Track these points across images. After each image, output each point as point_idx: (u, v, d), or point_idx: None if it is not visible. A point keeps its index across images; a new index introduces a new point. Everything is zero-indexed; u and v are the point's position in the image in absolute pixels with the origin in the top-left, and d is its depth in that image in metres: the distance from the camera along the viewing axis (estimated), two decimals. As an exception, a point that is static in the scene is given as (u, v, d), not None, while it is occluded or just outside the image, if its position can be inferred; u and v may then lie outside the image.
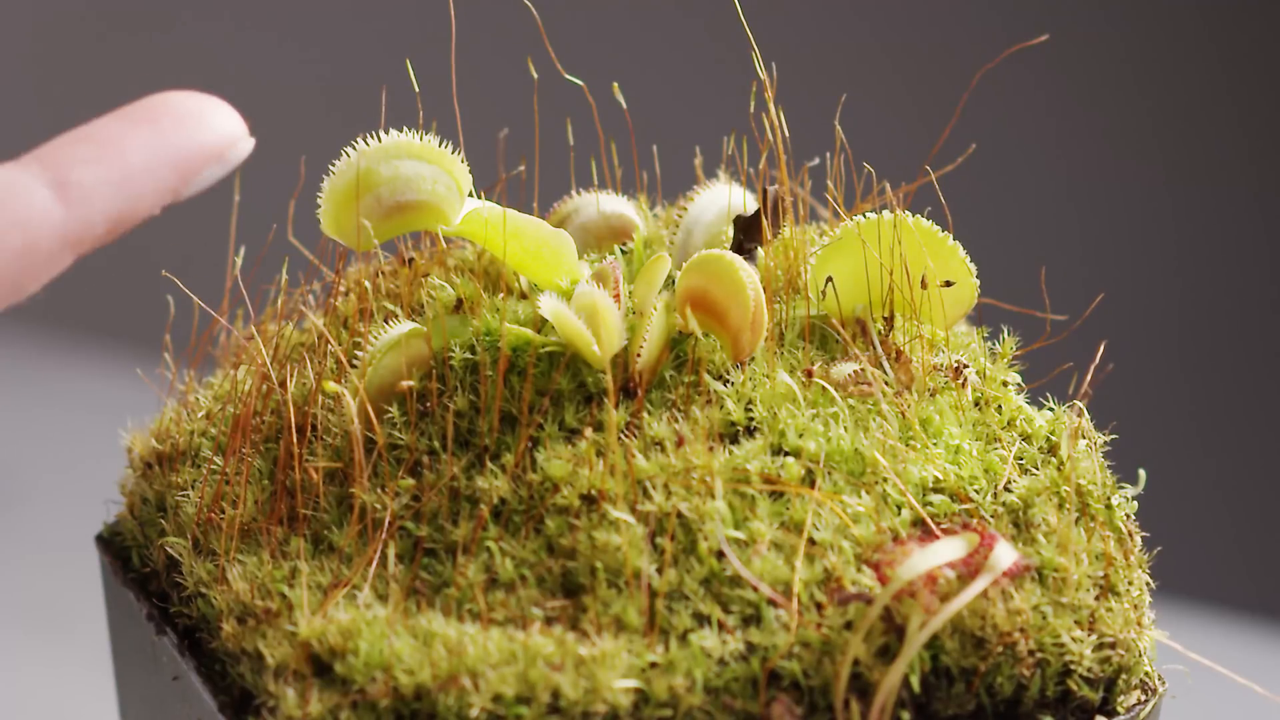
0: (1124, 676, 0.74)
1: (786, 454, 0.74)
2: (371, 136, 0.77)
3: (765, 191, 0.82)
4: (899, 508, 0.74)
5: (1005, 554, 0.72)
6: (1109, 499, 0.76)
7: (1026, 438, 0.78)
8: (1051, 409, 0.79)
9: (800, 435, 0.75)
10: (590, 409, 0.75)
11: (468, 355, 0.77)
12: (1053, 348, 0.82)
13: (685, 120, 1.42)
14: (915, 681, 0.71)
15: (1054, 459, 0.77)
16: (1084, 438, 0.77)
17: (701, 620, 0.71)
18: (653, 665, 0.70)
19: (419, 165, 0.77)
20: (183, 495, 0.79)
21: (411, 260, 0.83)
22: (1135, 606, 0.74)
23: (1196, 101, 2.23)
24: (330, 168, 0.77)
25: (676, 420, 0.75)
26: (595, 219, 0.85)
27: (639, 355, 0.75)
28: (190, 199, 0.71)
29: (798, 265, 0.80)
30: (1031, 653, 0.72)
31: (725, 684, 0.70)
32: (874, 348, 0.78)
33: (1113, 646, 0.73)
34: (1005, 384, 0.80)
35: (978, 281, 0.80)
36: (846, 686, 0.70)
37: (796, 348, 0.78)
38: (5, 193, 0.66)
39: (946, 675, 0.72)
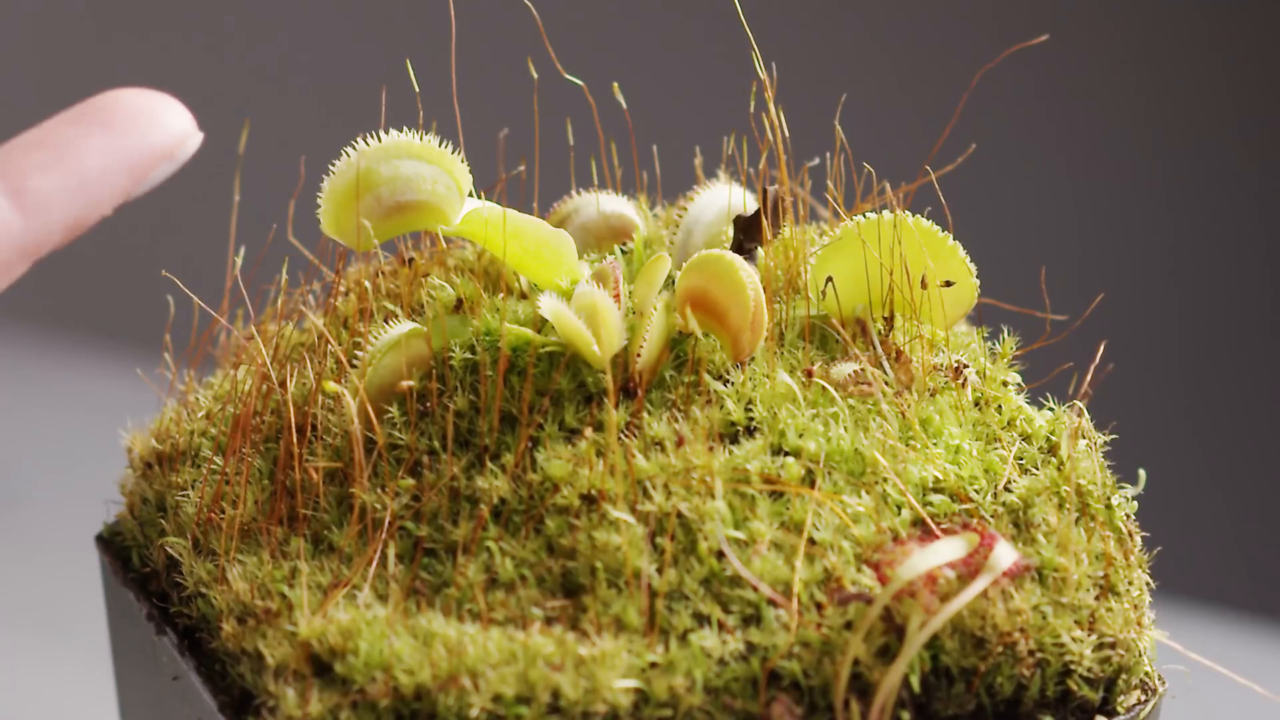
0: (1124, 676, 0.74)
1: (786, 454, 0.74)
2: (371, 136, 0.77)
3: (765, 191, 0.82)
4: (899, 508, 0.74)
5: (1005, 554, 0.72)
6: (1109, 499, 0.76)
7: (1026, 438, 0.78)
8: (1051, 409, 0.79)
9: (800, 435, 0.75)
10: (590, 409, 0.75)
11: (468, 355, 0.77)
12: (1053, 348, 0.82)
13: (685, 120, 1.42)
14: (915, 681, 0.71)
15: (1054, 459, 0.77)
16: (1084, 438, 0.77)
17: (701, 620, 0.71)
18: (653, 665, 0.70)
19: (419, 165, 0.77)
20: (183, 495, 0.79)
21: (411, 260, 0.83)
22: (1135, 606, 0.74)
23: (1196, 101, 2.23)
24: (330, 168, 0.77)
25: (676, 420, 0.75)
26: (595, 219, 0.85)
27: (639, 355, 0.75)
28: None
29: (798, 265, 0.80)
30: (1031, 653, 0.72)
31: (725, 684, 0.70)
32: (874, 348, 0.78)
33: (1113, 646, 0.73)
34: (1005, 384, 0.80)
35: (978, 281, 0.80)
36: (846, 686, 0.70)
37: (796, 348, 0.78)
38: None
39: (946, 675, 0.72)
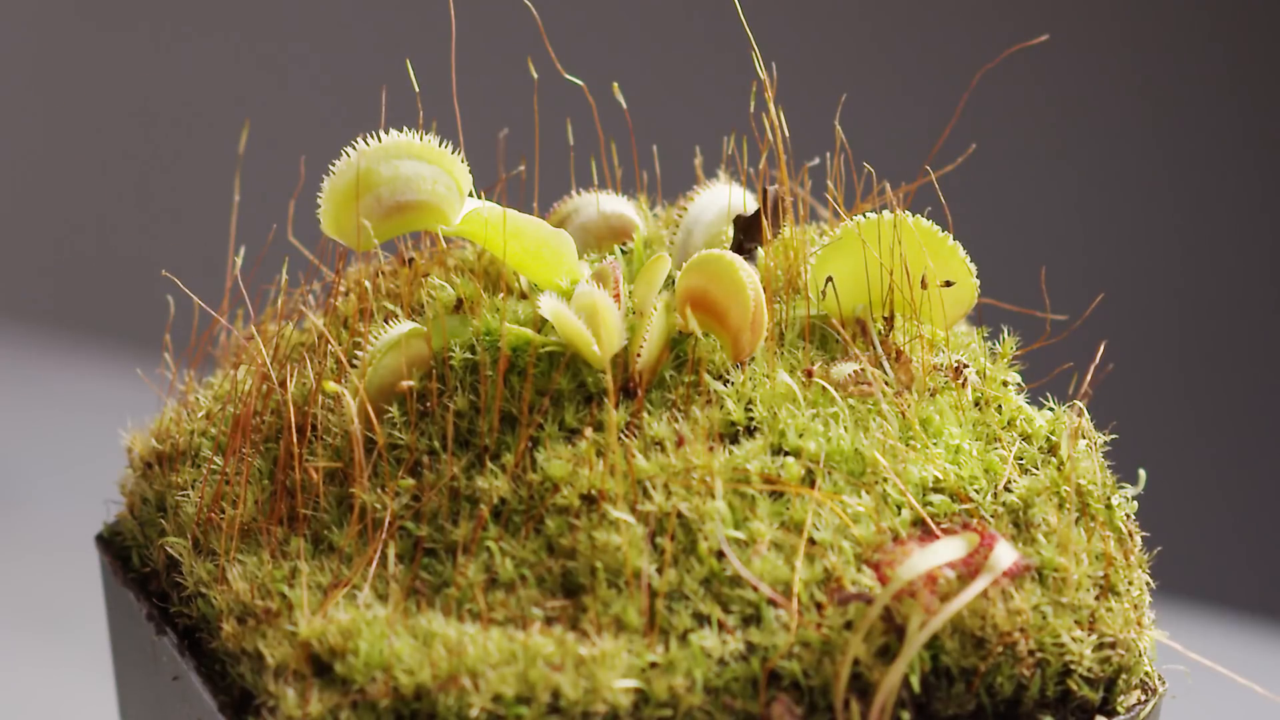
0: (1124, 676, 0.74)
1: (786, 454, 0.74)
2: (371, 136, 0.77)
3: (765, 191, 0.82)
4: (899, 508, 0.74)
5: (1005, 554, 0.72)
6: (1109, 499, 0.76)
7: (1026, 438, 0.78)
8: (1051, 409, 0.79)
9: (800, 435, 0.75)
10: (590, 409, 0.75)
11: (468, 355, 0.77)
12: (1053, 348, 0.82)
13: (685, 120, 1.42)
14: (915, 681, 0.71)
15: (1054, 459, 0.77)
16: (1084, 438, 0.77)
17: (701, 620, 0.71)
18: (653, 665, 0.70)
19: (419, 165, 0.77)
20: (183, 495, 0.79)
21: (411, 260, 0.83)
22: (1135, 606, 0.74)
23: (1197, 102, 2.23)
24: (330, 168, 0.77)
25: (676, 420, 0.75)
26: (595, 219, 0.85)
27: (639, 355, 0.75)
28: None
29: (798, 265, 0.80)
30: (1031, 653, 0.72)
31: (725, 684, 0.70)
32: (874, 348, 0.78)
33: (1113, 646, 0.73)
34: (1005, 384, 0.80)
35: (978, 281, 0.80)
36: (846, 686, 0.70)
37: (796, 348, 0.78)
38: None
39: (946, 675, 0.72)
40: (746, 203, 0.85)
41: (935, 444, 0.76)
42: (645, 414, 0.75)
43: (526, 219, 0.78)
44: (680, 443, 0.74)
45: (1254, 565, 2.08)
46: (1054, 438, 0.78)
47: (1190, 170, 2.23)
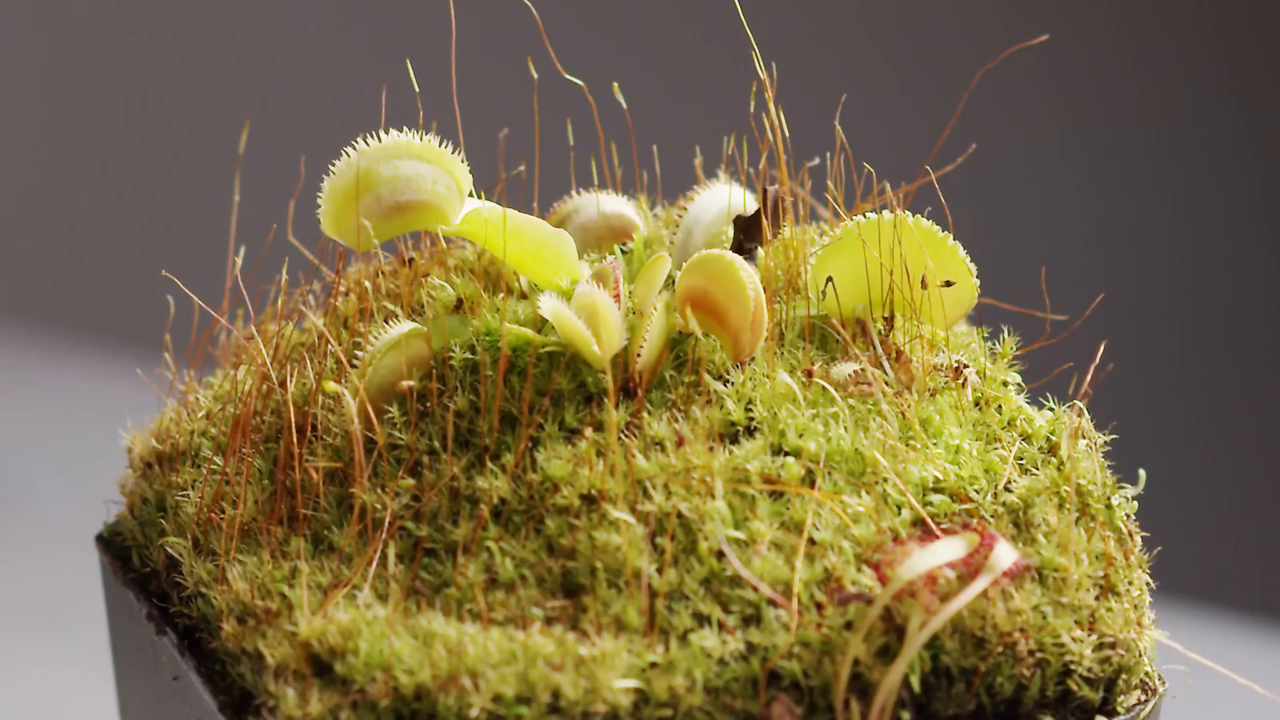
0: (1124, 676, 0.74)
1: (786, 454, 0.74)
2: (371, 136, 0.77)
3: (765, 191, 0.82)
4: (899, 508, 0.74)
5: (1005, 554, 0.72)
6: (1109, 499, 0.76)
7: (1026, 438, 0.78)
8: (1051, 409, 0.79)
9: (800, 435, 0.75)
10: (590, 409, 0.75)
11: (468, 355, 0.77)
12: (1053, 348, 0.82)
13: (685, 120, 1.42)
14: (915, 681, 0.71)
15: (1054, 459, 0.77)
16: (1084, 438, 0.77)
17: (701, 620, 0.71)
18: (653, 665, 0.70)
19: (419, 165, 0.77)
20: (183, 495, 0.79)
21: (411, 260, 0.83)
22: (1135, 606, 0.74)
23: (1197, 102, 2.23)
24: (330, 168, 0.77)
25: (676, 420, 0.75)
26: (595, 219, 0.85)
27: (639, 355, 0.75)
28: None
29: (798, 265, 0.80)
30: (1031, 653, 0.72)
31: (725, 684, 0.70)
32: (874, 348, 0.78)
33: (1113, 646, 0.73)
34: (1005, 384, 0.80)
35: (978, 281, 0.80)
36: (846, 686, 0.70)
37: (796, 348, 0.78)
38: None
39: (946, 675, 0.72)
40: (746, 203, 0.85)
41: (935, 444, 0.76)
42: (645, 414, 0.75)
43: (526, 219, 0.78)
44: (680, 443, 0.74)
45: (1254, 565, 2.08)
46: (1054, 438, 0.78)
47: (1190, 170, 2.23)
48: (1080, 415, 0.78)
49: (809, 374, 0.77)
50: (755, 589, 0.71)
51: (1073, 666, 0.73)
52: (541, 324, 0.77)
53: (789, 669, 0.70)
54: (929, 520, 0.73)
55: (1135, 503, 0.77)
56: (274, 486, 0.77)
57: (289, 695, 0.70)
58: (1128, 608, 0.74)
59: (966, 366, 0.79)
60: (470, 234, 0.78)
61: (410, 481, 0.75)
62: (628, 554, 0.72)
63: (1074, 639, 0.73)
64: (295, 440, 0.77)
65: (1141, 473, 0.78)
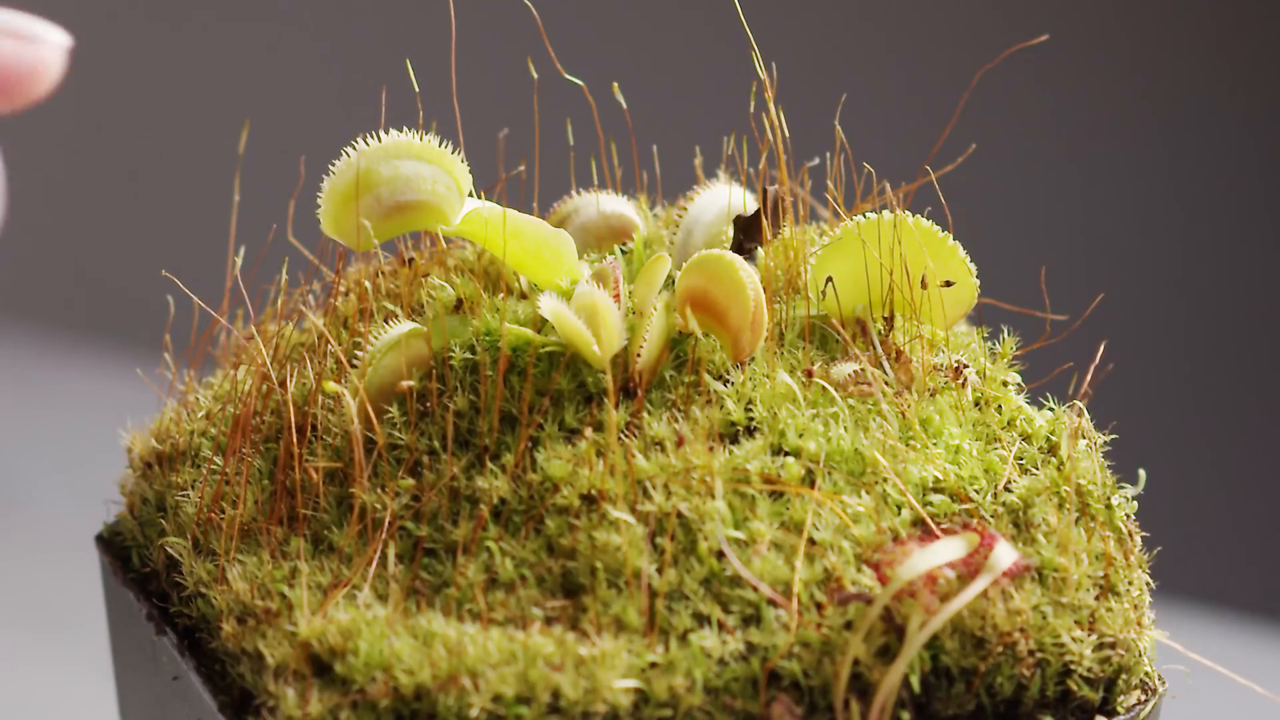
0: (1124, 676, 0.74)
1: (786, 454, 0.74)
2: (371, 136, 0.77)
3: (765, 191, 0.82)
4: (899, 508, 0.74)
5: (1005, 554, 0.72)
6: (1109, 499, 0.76)
7: (1026, 438, 0.78)
8: (1051, 409, 0.79)
9: (800, 435, 0.75)
10: (590, 409, 0.75)
11: (468, 355, 0.77)
12: (1053, 348, 0.82)
13: (685, 120, 1.42)
14: (915, 681, 0.71)
15: (1054, 459, 0.77)
16: (1084, 438, 0.77)
17: (701, 620, 0.71)
18: (653, 665, 0.70)
19: (419, 165, 0.77)
20: (183, 495, 0.79)
21: (411, 260, 0.83)
22: (1135, 606, 0.74)
23: (1197, 101, 2.23)
24: (330, 168, 0.77)
25: (676, 420, 0.75)
26: (595, 219, 0.85)
27: (639, 355, 0.75)
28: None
29: (798, 265, 0.80)
30: (1031, 653, 0.72)
31: (725, 684, 0.70)
32: (874, 348, 0.78)
33: (1113, 646, 0.73)
34: (1005, 384, 0.80)
35: (978, 281, 0.80)
36: (846, 686, 0.70)
37: (796, 348, 0.78)
38: None
39: (946, 675, 0.72)
40: (746, 203, 0.85)
41: (935, 444, 0.76)
42: (645, 414, 0.75)
43: (526, 219, 0.78)
44: (680, 443, 0.74)
45: (1254, 565, 2.08)
46: (1054, 438, 0.78)
47: (1190, 170, 2.23)
48: (1080, 415, 0.78)
49: (809, 374, 0.77)
50: (755, 589, 0.71)
51: (1073, 666, 0.73)
52: (541, 324, 0.77)
53: (789, 669, 0.70)
54: (929, 520, 0.73)
55: (1135, 503, 0.77)
56: (274, 486, 0.77)
57: (289, 695, 0.70)
58: (1128, 608, 0.74)
59: (966, 366, 0.79)
60: (470, 234, 0.78)
61: (410, 481, 0.75)
62: (628, 554, 0.71)
63: (1074, 639, 0.73)
64: (295, 440, 0.77)
65: (1141, 473, 0.78)
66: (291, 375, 0.79)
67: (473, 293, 0.79)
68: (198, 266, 1.00)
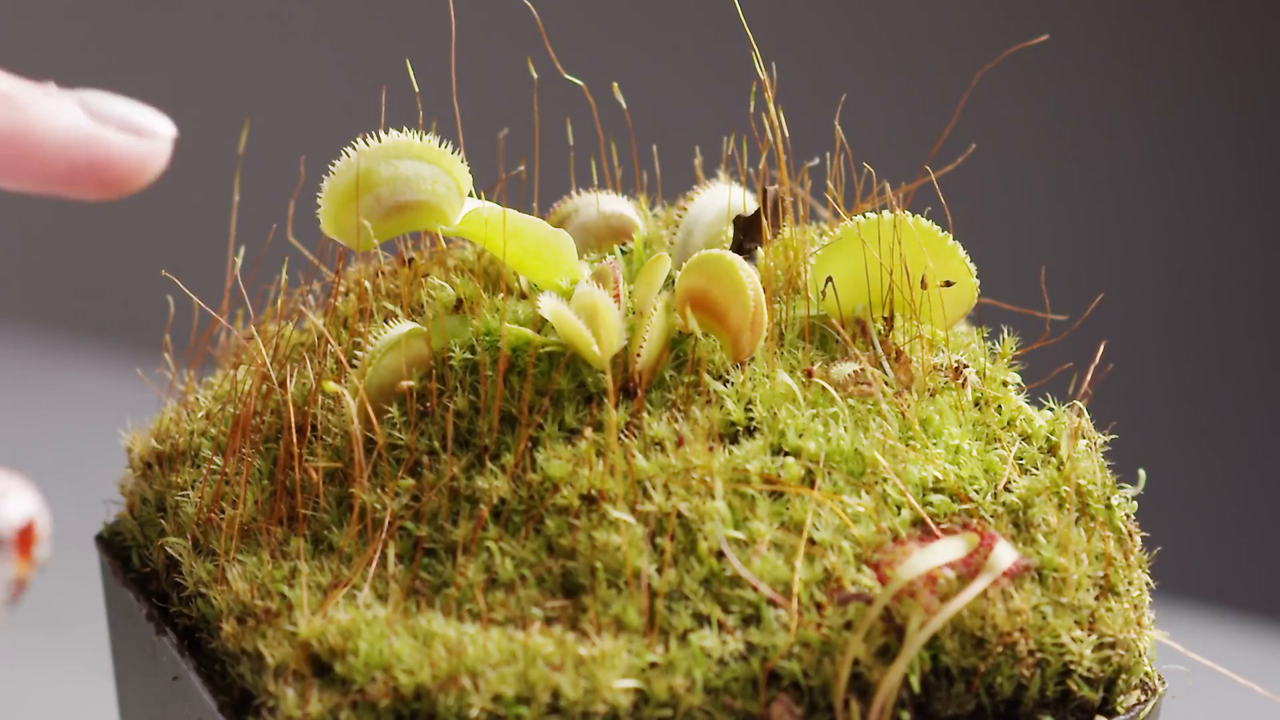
0: (1124, 676, 0.74)
1: (786, 454, 0.74)
2: (371, 136, 0.77)
3: (765, 191, 0.82)
4: (899, 508, 0.74)
5: (1005, 554, 0.72)
6: (1109, 499, 0.76)
7: (1026, 438, 0.78)
8: (1051, 409, 0.79)
9: (800, 435, 0.75)
10: (590, 409, 0.75)
11: (468, 355, 0.77)
12: (1053, 348, 0.82)
13: (685, 120, 1.42)
14: (915, 681, 0.71)
15: (1054, 459, 0.77)
16: (1084, 438, 0.77)
17: (701, 620, 0.71)
18: (653, 665, 0.70)
19: (419, 165, 0.77)
20: (183, 495, 0.79)
21: (411, 260, 0.83)
22: (1135, 606, 0.74)
23: (1198, 101, 2.23)
24: (330, 168, 0.77)
25: (676, 420, 0.75)
26: (595, 219, 0.85)
27: (639, 355, 0.75)
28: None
29: (798, 265, 0.80)
30: (1031, 653, 0.72)
31: (725, 684, 0.70)
32: (874, 348, 0.78)
33: (1113, 646, 0.73)
34: (1005, 384, 0.80)
35: (978, 281, 0.80)
36: (846, 686, 0.70)
37: (796, 348, 0.78)
38: None
39: (946, 675, 0.72)
40: (746, 203, 0.85)
41: (935, 444, 0.76)
42: (645, 414, 0.75)
43: (526, 219, 0.78)
44: (680, 443, 0.74)
45: (1254, 565, 2.08)
46: (1054, 438, 0.78)
47: (1190, 170, 2.23)
48: (1080, 415, 0.78)
49: (809, 374, 0.77)
50: (755, 589, 0.71)
51: (1073, 666, 0.73)
52: (541, 324, 0.77)
53: (789, 669, 0.70)
54: (929, 520, 0.73)
55: (1135, 503, 0.77)
56: (274, 486, 0.77)
57: (289, 695, 0.70)
58: (1128, 608, 0.74)
59: (966, 366, 0.79)
60: (470, 234, 0.78)
61: (410, 481, 0.75)
62: (628, 554, 0.71)
63: (1074, 639, 0.73)
64: (295, 440, 0.77)
65: (1141, 473, 0.78)
66: (291, 375, 0.79)
67: (473, 293, 0.79)
68: (198, 266, 1.00)
